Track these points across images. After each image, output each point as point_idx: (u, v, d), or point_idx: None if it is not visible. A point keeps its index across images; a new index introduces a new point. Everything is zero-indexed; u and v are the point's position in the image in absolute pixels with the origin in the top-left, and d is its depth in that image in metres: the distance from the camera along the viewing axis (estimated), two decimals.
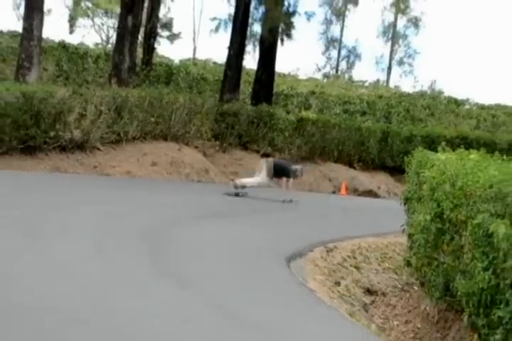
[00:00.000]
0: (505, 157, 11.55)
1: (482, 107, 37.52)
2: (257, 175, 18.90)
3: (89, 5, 34.93)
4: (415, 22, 54.25)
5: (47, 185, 15.25)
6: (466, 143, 20.30)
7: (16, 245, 8.60)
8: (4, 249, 8.26)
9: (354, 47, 57.57)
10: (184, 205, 14.74)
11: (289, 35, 30.56)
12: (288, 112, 27.09)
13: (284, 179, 18.81)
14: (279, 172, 18.73)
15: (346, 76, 52.75)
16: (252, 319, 7.10)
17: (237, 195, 18.39)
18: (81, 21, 35.58)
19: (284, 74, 41.08)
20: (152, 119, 21.62)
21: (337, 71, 54.44)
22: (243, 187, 18.55)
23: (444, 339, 8.74)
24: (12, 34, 28.61)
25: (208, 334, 6.15)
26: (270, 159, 19.94)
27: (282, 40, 30.06)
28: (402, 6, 53.67)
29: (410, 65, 56.04)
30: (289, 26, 30.58)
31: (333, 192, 24.57)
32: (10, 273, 7.16)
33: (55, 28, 46.54)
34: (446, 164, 10.73)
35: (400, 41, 55.13)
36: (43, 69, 22.98)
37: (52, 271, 7.62)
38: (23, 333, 5.25)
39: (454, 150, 12.19)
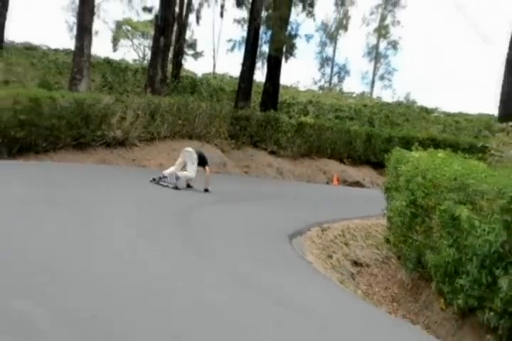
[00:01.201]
0: (466, 155, 11.59)
1: (448, 115, 37.37)
2: (189, 167, 15.31)
3: (129, 28, 34.88)
4: (394, 44, 54.23)
5: (94, 174, 15.30)
6: (435, 143, 20.21)
7: (76, 214, 8.61)
8: (72, 219, 8.29)
9: (344, 65, 57.56)
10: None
11: (291, 54, 30.47)
12: (290, 117, 27.02)
13: (207, 168, 15.61)
14: (202, 161, 15.61)
15: (338, 88, 52.65)
16: (261, 284, 7.13)
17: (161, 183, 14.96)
18: (122, 41, 35.57)
19: (287, 86, 41.06)
20: (179, 122, 21.62)
21: (330, 84, 54.25)
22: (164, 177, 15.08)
23: (416, 303, 8.77)
24: (66, 51, 28.56)
25: (221, 296, 6.18)
26: (192, 149, 15.85)
27: (286, 58, 29.98)
28: (383, 32, 53.52)
29: (389, 79, 56.03)
30: (292, 47, 30.48)
31: (327, 183, 24.56)
32: (74, 232, 7.19)
33: (101, 47, 46.61)
34: (419, 160, 10.75)
35: (382, 60, 55.10)
36: (92, 80, 22.96)
37: (95, 234, 7.69)
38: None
39: (425, 149, 12.19)
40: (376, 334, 6.50)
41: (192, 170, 15.30)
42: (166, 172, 15.29)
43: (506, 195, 6.96)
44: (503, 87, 26.89)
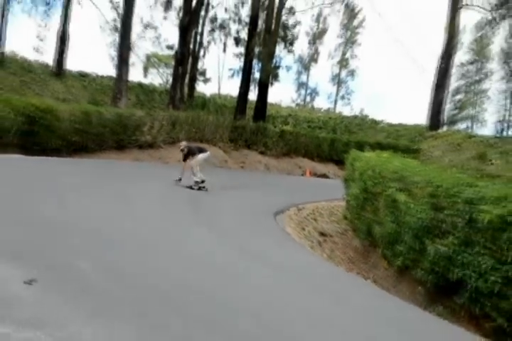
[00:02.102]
0: (404, 155, 11.63)
1: (390, 125, 37.17)
2: (194, 160, 12.74)
3: (156, 60, 34.84)
4: (352, 73, 54.08)
5: (131, 169, 15.30)
6: (381, 146, 20.09)
7: (120, 194, 8.62)
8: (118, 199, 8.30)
9: (315, 88, 57.23)
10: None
11: (276, 80, 30.43)
12: (275, 126, 26.95)
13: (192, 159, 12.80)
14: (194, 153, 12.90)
15: (310, 105, 52.56)
16: (251, 249, 7.14)
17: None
18: (151, 70, 35.48)
19: (272, 103, 40.76)
20: (193, 130, 21.57)
21: (304, 102, 54.11)
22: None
23: (366, 264, 8.77)
24: (110, 77, 28.43)
25: (217, 257, 6.18)
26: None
27: (272, 83, 29.94)
28: (344, 63, 53.51)
29: (348, 99, 55.70)
30: (276, 75, 30.47)
31: (302, 175, 24.50)
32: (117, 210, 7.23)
33: (135, 74, 46.53)
34: (369, 159, 10.76)
35: (342, 84, 54.99)
36: (128, 99, 22.90)
37: (129, 211, 7.67)
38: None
39: (373, 150, 12.21)
40: (337, 284, 6.52)
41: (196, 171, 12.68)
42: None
43: (433, 184, 7.00)
44: (431, 104, 27.00)
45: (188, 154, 12.84)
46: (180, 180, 12.57)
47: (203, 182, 12.68)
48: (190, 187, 12.34)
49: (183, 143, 13.31)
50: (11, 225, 5.09)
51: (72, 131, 14.97)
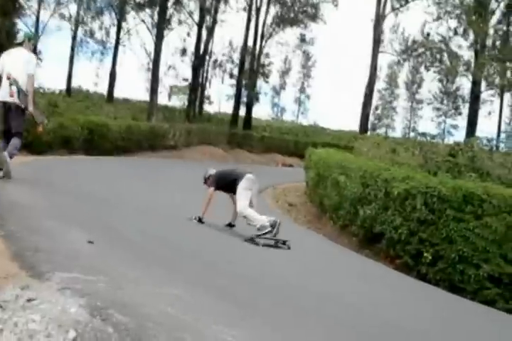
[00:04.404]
0: (343, 151, 11.65)
1: (334, 131, 37.18)
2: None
3: (176, 89, 34.47)
4: (308, 96, 54.01)
5: (160, 163, 15.15)
6: (328, 145, 20.06)
7: (152, 179, 8.46)
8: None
9: (284, 107, 56.59)
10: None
11: (257, 101, 30.40)
12: (257, 133, 26.85)
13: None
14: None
15: (281, 118, 52.35)
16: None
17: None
18: (173, 96, 35.10)
19: (255, 118, 40.57)
20: (202, 136, 21.46)
21: (277, 116, 53.90)
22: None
23: (319, 223, 8.79)
24: (145, 102, 28.06)
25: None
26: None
27: (254, 104, 29.82)
28: (302, 90, 53.23)
29: (305, 113, 55.49)
30: (257, 98, 30.44)
31: (276, 166, 24.41)
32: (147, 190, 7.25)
33: (162, 98, 45.98)
34: (321, 153, 10.78)
35: (302, 104, 55.01)
36: (157, 116, 22.60)
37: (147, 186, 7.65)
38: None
39: (323, 147, 12.25)
40: (299, 235, 6.56)
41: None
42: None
43: (362, 169, 7.04)
44: (361, 116, 26.99)
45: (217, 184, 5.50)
46: (231, 225, 5.51)
47: (272, 227, 4.99)
48: (252, 241, 4.90)
49: (209, 171, 5.88)
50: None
51: (119, 139, 14.76)
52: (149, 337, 1.31)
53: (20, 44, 4.87)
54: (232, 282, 3.02)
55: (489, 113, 28.31)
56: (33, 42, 5.20)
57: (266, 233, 4.89)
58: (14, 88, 4.54)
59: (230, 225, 5.52)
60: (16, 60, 4.67)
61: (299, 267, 4.56)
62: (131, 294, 1.74)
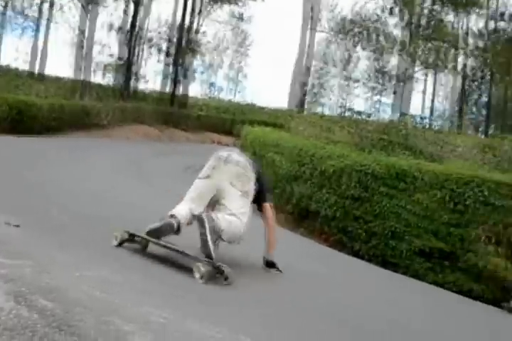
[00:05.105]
0: (280, 130, 11.53)
1: (271, 109, 36.57)
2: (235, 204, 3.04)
3: (111, 68, 32.13)
4: (245, 75, 53.32)
5: (90, 142, 13.94)
6: (265, 124, 19.71)
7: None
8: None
9: (221, 86, 55.55)
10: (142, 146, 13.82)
11: (194, 80, 29.30)
12: (194, 112, 26.05)
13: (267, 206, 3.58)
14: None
15: (218, 97, 51.17)
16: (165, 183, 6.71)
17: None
18: (108, 74, 32.71)
19: (192, 96, 38.84)
20: (137, 115, 20.35)
21: (214, 95, 52.74)
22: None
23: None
24: (76, 80, 25.76)
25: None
26: (241, 157, 3.19)
27: (190, 82, 28.71)
28: (239, 69, 52.47)
29: (242, 92, 54.83)
30: (194, 77, 29.29)
31: (212, 143, 23.78)
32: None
33: (97, 75, 42.40)
34: (257, 132, 10.54)
35: (239, 83, 54.22)
36: (90, 95, 21.00)
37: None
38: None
39: (260, 126, 12.02)
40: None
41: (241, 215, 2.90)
42: (179, 211, 2.66)
43: (298, 148, 6.90)
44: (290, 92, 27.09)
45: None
46: (272, 265, 3.35)
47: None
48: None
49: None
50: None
51: (50, 119, 13.64)
52: (77, 321, 1.29)
53: None
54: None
55: (423, 92, 29.83)
56: None
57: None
58: None
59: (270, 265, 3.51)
60: None
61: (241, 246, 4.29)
62: (58, 278, 1.73)
